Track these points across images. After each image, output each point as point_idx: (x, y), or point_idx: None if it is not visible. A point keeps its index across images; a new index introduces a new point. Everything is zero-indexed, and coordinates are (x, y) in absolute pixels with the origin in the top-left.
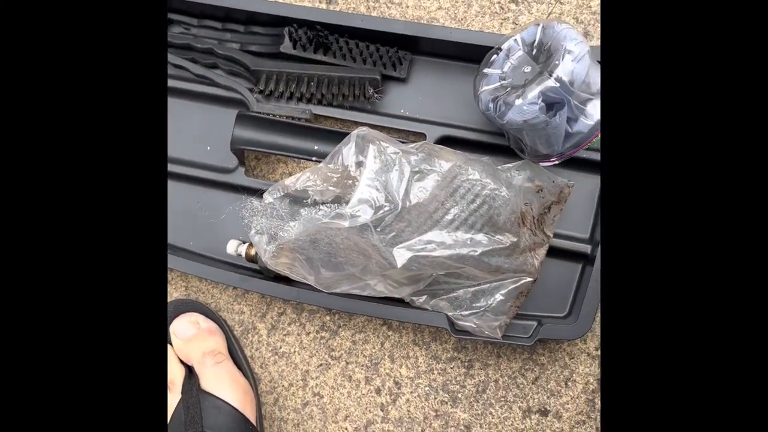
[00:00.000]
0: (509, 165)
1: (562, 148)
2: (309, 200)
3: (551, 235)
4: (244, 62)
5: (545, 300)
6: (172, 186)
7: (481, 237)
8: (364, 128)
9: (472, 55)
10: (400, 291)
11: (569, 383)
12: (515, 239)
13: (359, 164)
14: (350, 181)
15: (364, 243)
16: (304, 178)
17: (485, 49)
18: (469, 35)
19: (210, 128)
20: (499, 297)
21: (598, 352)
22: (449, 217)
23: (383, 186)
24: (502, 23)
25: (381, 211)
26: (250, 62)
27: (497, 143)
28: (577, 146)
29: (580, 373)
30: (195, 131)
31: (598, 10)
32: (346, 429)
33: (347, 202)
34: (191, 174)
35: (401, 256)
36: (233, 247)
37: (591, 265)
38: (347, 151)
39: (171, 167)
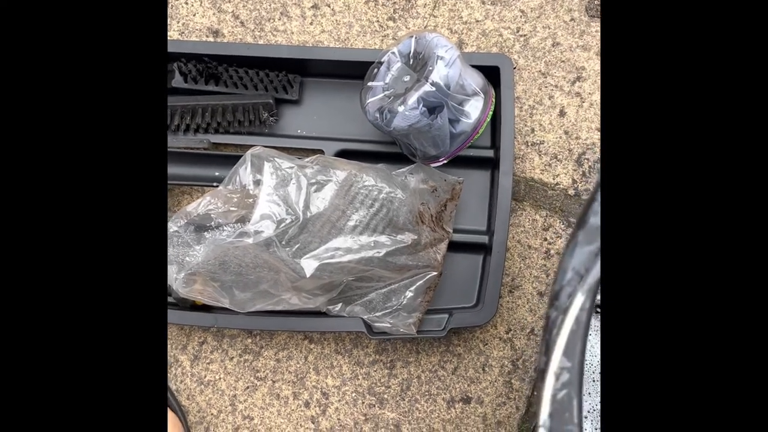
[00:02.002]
0: (402, 169)
1: (449, 148)
2: (213, 223)
3: (451, 231)
4: None
5: (454, 293)
6: None
7: (383, 238)
8: (258, 147)
9: (357, 71)
10: (315, 301)
11: (486, 368)
12: (416, 237)
13: (257, 182)
14: (250, 200)
15: (272, 258)
16: (205, 203)
17: (368, 64)
18: (351, 53)
19: None
20: (409, 294)
21: (509, 335)
22: (351, 223)
23: (283, 200)
24: (383, 39)
25: (283, 224)
26: None
27: (391, 151)
28: (462, 144)
29: (495, 357)
30: None
31: (469, 20)
32: None
33: (250, 221)
34: None
35: (309, 266)
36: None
37: (490, 254)
38: (243, 171)
39: None
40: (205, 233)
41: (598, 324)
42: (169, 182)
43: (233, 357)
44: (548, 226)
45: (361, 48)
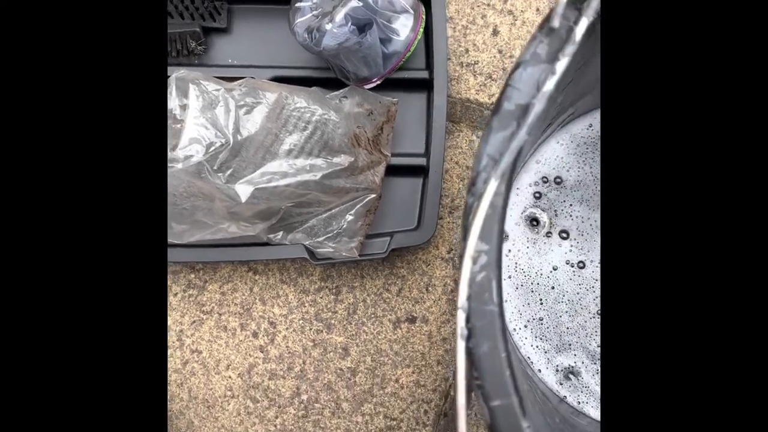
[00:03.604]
0: (336, 92)
1: (382, 69)
2: None
3: (389, 154)
4: None
5: (395, 217)
6: None
7: (319, 161)
8: (182, 71)
9: None
10: (254, 229)
11: (429, 288)
12: (353, 159)
13: (183, 107)
14: (178, 126)
15: (206, 185)
16: None
17: None
18: None
19: None
20: (349, 217)
21: (451, 255)
22: (285, 147)
23: (211, 123)
24: None
25: (213, 148)
26: None
27: (324, 77)
28: (394, 64)
29: (438, 276)
30: None
31: None
32: (230, 377)
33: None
34: None
35: (244, 191)
36: None
37: (428, 176)
38: (169, 97)
39: None
40: None
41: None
42: None
43: (177, 293)
44: None
45: None
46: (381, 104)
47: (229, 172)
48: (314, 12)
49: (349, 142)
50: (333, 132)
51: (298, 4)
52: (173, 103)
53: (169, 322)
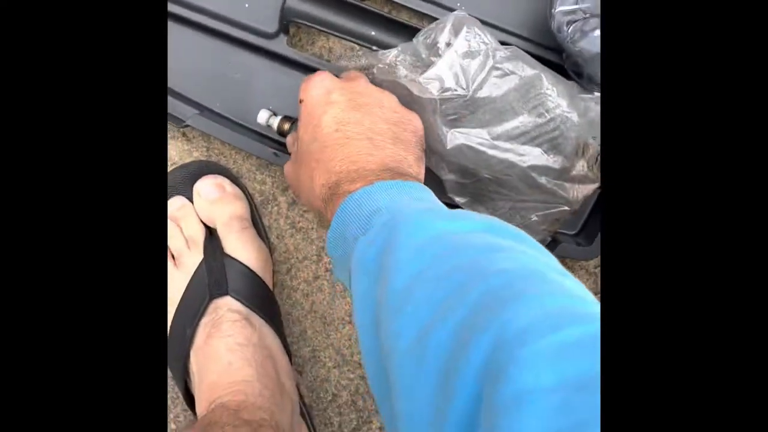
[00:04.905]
0: (590, 95)
1: None
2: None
3: None
4: None
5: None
6: (201, 40)
7: (536, 151)
8: (461, 11)
9: None
10: (444, 173)
11: None
12: (568, 165)
13: (449, 44)
14: (436, 59)
15: (427, 117)
16: (395, 53)
17: None
18: None
19: None
20: (534, 218)
21: (597, 270)
22: (515, 123)
23: (462, 71)
24: None
25: (448, 93)
26: None
27: (550, 59)
28: None
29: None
30: None
31: None
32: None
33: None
34: (224, 31)
35: (454, 139)
36: (264, 118)
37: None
38: (441, 30)
39: (202, 19)
40: None
41: None
42: (320, 28)
43: None
44: None
45: None
46: None
47: (452, 117)
48: (581, 5)
49: (574, 149)
50: (566, 132)
51: None
52: (443, 37)
53: (314, 236)
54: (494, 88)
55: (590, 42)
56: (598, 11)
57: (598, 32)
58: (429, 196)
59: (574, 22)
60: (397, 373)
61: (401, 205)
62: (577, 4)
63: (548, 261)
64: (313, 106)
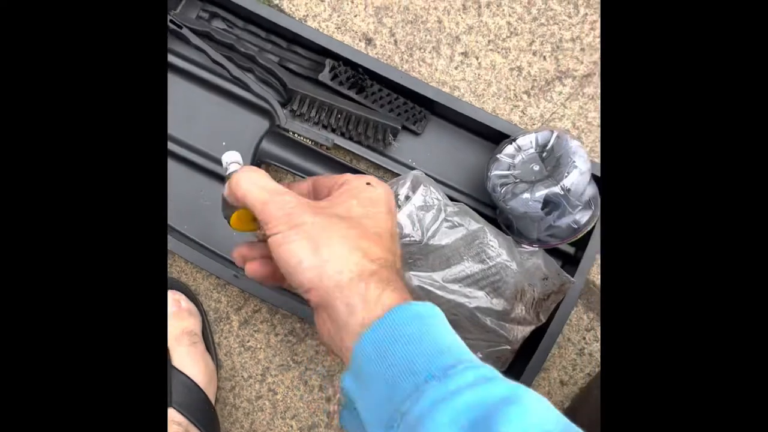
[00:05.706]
0: (526, 249)
1: (542, 236)
2: None
3: (543, 320)
4: (282, 78)
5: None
6: (179, 169)
7: (480, 294)
8: (419, 171)
9: (484, 131)
10: None
11: None
12: (509, 307)
13: (407, 198)
14: (396, 210)
15: None
16: None
17: (497, 132)
18: (489, 118)
19: (230, 126)
20: (479, 355)
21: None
22: (461, 268)
23: (418, 220)
24: (512, 109)
25: (407, 239)
26: (288, 80)
27: (486, 214)
28: (560, 242)
29: None
30: (215, 126)
31: (594, 121)
32: (292, 426)
33: None
34: (200, 163)
35: (410, 280)
36: (230, 158)
37: (541, 340)
38: (402, 185)
39: (183, 152)
40: None
41: None
42: (287, 168)
43: (279, 334)
44: (591, 328)
45: (499, 117)
46: (558, 276)
47: (409, 261)
48: (512, 171)
49: (513, 293)
50: (506, 278)
51: (499, 156)
52: (403, 191)
53: (261, 356)
54: (444, 236)
55: (519, 202)
56: (527, 177)
57: (526, 195)
58: None
59: (506, 185)
60: None
61: None
62: (509, 170)
63: None
64: None
